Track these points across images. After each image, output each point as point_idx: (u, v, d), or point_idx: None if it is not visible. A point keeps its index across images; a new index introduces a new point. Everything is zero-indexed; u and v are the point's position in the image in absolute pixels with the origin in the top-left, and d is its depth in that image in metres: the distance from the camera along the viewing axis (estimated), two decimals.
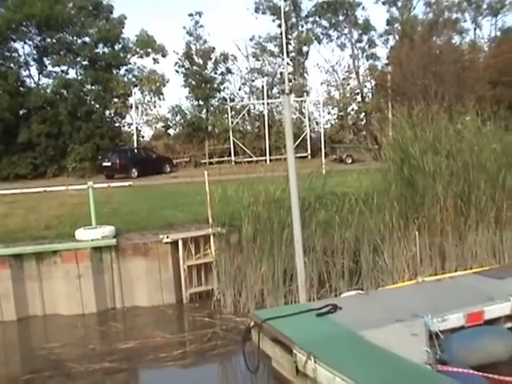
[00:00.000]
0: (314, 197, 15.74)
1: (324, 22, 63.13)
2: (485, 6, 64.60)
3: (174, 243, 16.34)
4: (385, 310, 10.62)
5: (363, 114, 56.78)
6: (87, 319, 15.61)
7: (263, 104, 52.19)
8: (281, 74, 57.61)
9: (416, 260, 15.23)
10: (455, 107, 20.45)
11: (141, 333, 14.07)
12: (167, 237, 16.34)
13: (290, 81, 58.58)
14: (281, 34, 53.17)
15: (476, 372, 8.68)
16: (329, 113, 58.98)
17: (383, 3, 62.70)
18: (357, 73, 60.52)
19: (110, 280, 16.32)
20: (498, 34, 63.47)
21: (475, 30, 65.03)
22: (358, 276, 15.11)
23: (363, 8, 62.26)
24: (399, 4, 62.76)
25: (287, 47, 60.52)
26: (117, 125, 53.31)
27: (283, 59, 60.31)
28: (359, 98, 59.21)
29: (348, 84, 59.90)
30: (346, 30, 62.73)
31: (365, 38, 62.61)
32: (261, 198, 15.47)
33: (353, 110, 59.17)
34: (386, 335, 9.24)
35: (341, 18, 62.46)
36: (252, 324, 10.85)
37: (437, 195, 15.77)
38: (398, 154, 16.96)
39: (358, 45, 62.60)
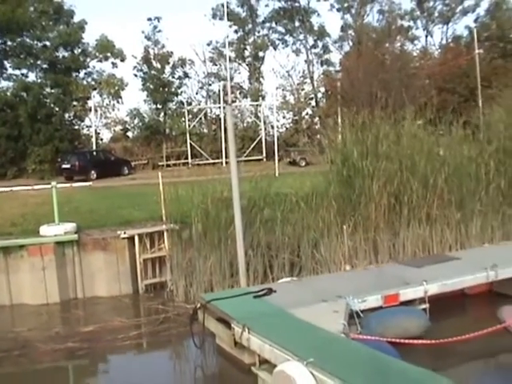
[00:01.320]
0: (258, 197, 17.20)
1: (280, 28, 64.27)
2: (436, 14, 66.42)
3: (131, 238, 17.77)
4: (313, 292, 12.26)
5: (317, 118, 57.96)
6: (51, 308, 16.87)
7: (219, 108, 52.69)
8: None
9: (352, 253, 16.76)
10: (399, 113, 21.85)
11: (100, 318, 15.43)
12: (124, 233, 17.75)
13: (241, 87, 60.25)
14: (237, 40, 54.38)
15: (381, 338, 10.25)
16: (284, 117, 60.15)
17: (338, 10, 64.07)
18: (311, 78, 61.77)
19: (72, 272, 17.65)
20: (449, 41, 65.24)
21: (427, 37, 66.86)
22: (298, 268, 16.55)
23: (318, 15, 63.68)
24: (353, 11, 64.20)
25: (243, 52, 61.97)
26: (76, 127, 53.85)
27: (240, 64, 61.78)
28: (313, 103, 60.48)
29: (303, 89, 61.12)
30: (301, 36, 63.83)
31: (320, 44, 63.84)
32: (210, 198, 16.91)
33: (307, 114, 60.39)
34: (311, 312, 10.83)
35: (296, 24, 63.50)
36: (198, 306, 12.40)
37: (373, 195, 17.23)
38: (339, 157, 18.48)
39: (313, 50, 63.94)
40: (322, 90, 60.91)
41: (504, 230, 19.06)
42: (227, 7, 60.13)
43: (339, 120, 25.71)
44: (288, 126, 59.69)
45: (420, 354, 10.39)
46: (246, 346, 10.37)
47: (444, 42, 65.88)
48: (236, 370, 11.20)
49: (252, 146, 50.91)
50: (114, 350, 13.50)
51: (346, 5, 63.95)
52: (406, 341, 10.41)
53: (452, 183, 18.37)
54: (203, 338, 12.14)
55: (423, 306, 12.47)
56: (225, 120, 52.13)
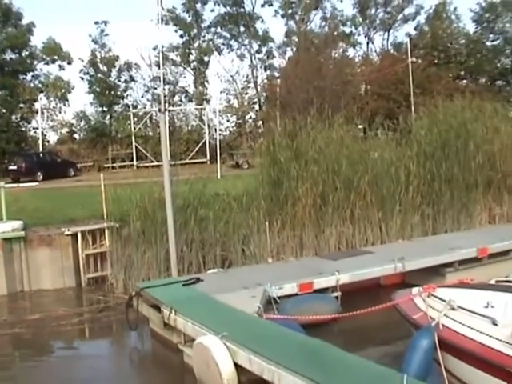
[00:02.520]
0: (193, 197, 18.61)
1: (225, 33, 65.15)
2: (378, 21, 68.12)
3: (74, 235, 19.04)
4: (236, 281, 13.79)
5: (260, 122, 59.17)
6: None
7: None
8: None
9: (280, 249, 18.23)
10: (332, 119, 23.35)
11: (45, 308, 16.73)
12: (68, 230, 19.00)
13: (186, 91, 61.44)
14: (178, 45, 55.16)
15: (290, 317, 11.72)
16: (228, 120, 61.37)
17: (282, 16, 65.19)
18: (255, 82, 62.92)
19: (19, 267, 18.84)
20: (390, 48, 67.06)
21: (368, 43, 68.41)
22: (229, 262, 17.99)
23: (262, 21, 64.88)
24: (297, 17, 65.61)
25: (188, 57, 63.00)
26: (23, 129, 54.52)
27: (185, 68, 62.81)
28: (257, 107, 61.59)
29: (246, 93, 62.45)
30: (246, 41, 64.74)
31: (264, 49, 64.83)
32: (148, 198, 18.28)
33: (251, 118, 61.68)
34: (232, 297, 12.32)
35: (241, 29, 64.49)
36: (133, 293, 13.81)
37: (299, 195, 18.73)
38: (268, 160, 19.95)
39: (257, 56, 64.87)
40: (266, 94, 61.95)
41: (424, 227, 20.76)
42: (173, 12, 61.44)
43: (277, 125, 26.95)
44: (232, 129, 60.95)
45: (326, 333, 11.80)
46: (173, 326, 11.80)
47: (385, 48, 67.67)
48: (166, 349, 12.59)
49: (196, 149, 52.03)
50: (57, 335, 14.75)
51: (290, 11, 65.08)
52: (311, 317, 11.87)
53: (374, 185, 19.94)
54: (137, 322, 13.56)
55: (335, 294, 13.98)
56: (170, 123, 53.51)
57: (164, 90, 47.43)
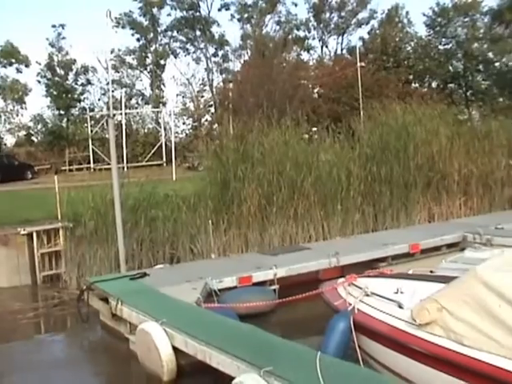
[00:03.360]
0: (142, 198, 19.57)
1: (181, 37, 66.10)
2: (332, 26, 69.55)
3: (30, 235, 19.83)
4: (180, 275, 14.85)
5: (216, 124, 59.86)
6: None
7: (121, 114, 54.12)
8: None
9: (226, 247, 19.26)
10: (281, 123, 24.45)
11: (1, 304, 17.62)
12: (24, 229, 19.79)
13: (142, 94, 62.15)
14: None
15: (226, 305, 12.78)
16: (184, 123, 62.34)
17: (238, 20, 66.45)
18: (211, 86, 63.94)
19: None
20: (344, 52, 68.42)
21: (322, 47, 70.07)
22: (177, 260, 18.97)
23: (218, 25, 66.01)
24: (253, 21, 66.67)
25: (145, 60, 63.75)
26: None
27: (142, 71, 63.55)
28: (213, 110, 62.10)
29: (202, 96, 63.50)
30: (202, 45, 65.76)
31: (220, 53, 66.00)
32: (100, 199, 19.21)
33: (206, 120, 62.19)
34: (175, 289, 13.38)
35: (198, 33, 65.44)
36: (84, 287, 14.78)
37: (245, 196, 19.81)
38: (215, 162, 21.01)
39: (213, 59, 66.01)
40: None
41: (365, 225, 21.94)
42: (130, 16, 62.16)
43: (230, 128, 27.91)
44: (188, 131, 61.69)
45: (263, 323, 12.79)
46: (120, 317, 12.80)
47: (339, 52, 69.04)
48: (114, 339, 13.52)
49: (152, 152, 52.73)
50: (12, 328, 15.62)
51: (245, 15, 66.31)
52: (245, 305, 12.93)
53: (317, 185, 21.07)
54: (89, 314, 14.53)
55: (273, 287, 15.01)
56: (126, 125, 54.29)
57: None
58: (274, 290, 14.97)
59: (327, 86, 52.42)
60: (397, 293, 9.54)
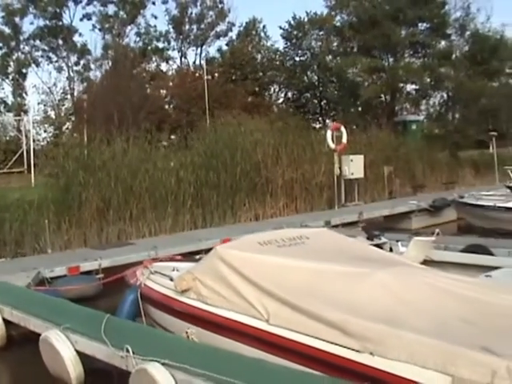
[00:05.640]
0: None
1: (44, 46, 67.03)
2: (192, 37, 71.97)
3: None
4: (17, 267, 17.40)
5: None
6: None
7: None
8: None
9: (67, 244, 21.84)
10: (130, 133, 27.39)
11: None
12: None
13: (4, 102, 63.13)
14: None
15: (51, 288, 15.57)
16: (45, 131, 62.53)
17: (100, 30, 68.12)
18: (71, 94, 65.10)
19: None
20: (202, 63, 71.05)
21: (181, 58, 72.56)
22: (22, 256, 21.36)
23: (80, 34, 67.66)
24: (114, 32, 68.46)
25: (7, 68, 64.71)
26: None
27: (3, 79, 64.43)
28: (73, 118, 62.13)
29: (63, 105, 64.51)
30: (64, 54, 66.91)
31: (82, 62, 67.47)
32: None
33: (67, 128, 62.03)
34: (10, 278, 15.71)
35: (60, 42, 66.68)
36: None
37: (85, 199, 22.69)
38: (56, 169, 23.79)
39: (75, 68, 67.30)
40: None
41: (194, 225, 25.05)
42: None
43: (85, 137, 30.58)
44: (49, 139, 62.70)
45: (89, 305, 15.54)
46: None
47: (198, 63, 71.78)
48: None
49: (14, 159, 53.91)
50: None
51: (107, 25, 68.15)
52: (69, 287, 15.90)
53: (151, 190, 24.10)
54: None
55: (99, 276, 17.79)
56: None
57: None
58: (99, 278, 17.72)
59: (178, 97, 55.13)
60: (173, 270, 12.45)
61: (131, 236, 23.16)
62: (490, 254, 16.44)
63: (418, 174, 39.98)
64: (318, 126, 65.23)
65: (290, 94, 71.77)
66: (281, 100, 72.67)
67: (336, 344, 8.12)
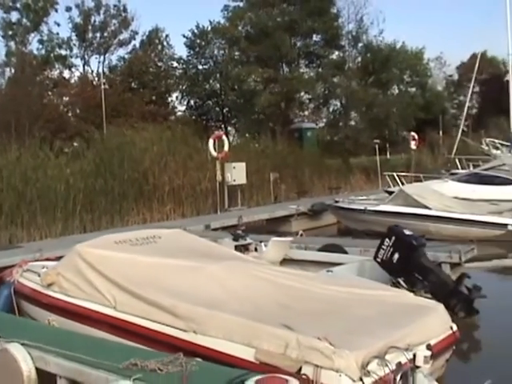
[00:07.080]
0: None
1: None
2: (95, 45, 72.05)
3: None
4: None
5: None
6: None
7: None
8: None
9: None
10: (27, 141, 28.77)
11: None
12: None
13: None
14: None
15: None
16: None
17: (2, 37, 67.03)
18: None
19: None
20: (106, 70, 71.84)
21: (84, 66, 72.27)
22: None
23: None
24: (17, 39, 68.37)
25: None
26: None
27: None
28: None
29: None
30: None
31: None
32: None
33: None
34: None
35: None
36: None
37: None
38: None
39: None
40: None
41: (84, 229, 26.54)
42: None
43: None
44: None
45: None
46: None
47: (100, 70, 72.23)
48: None
49: None
50: None
51: (10, 32, 68.09)
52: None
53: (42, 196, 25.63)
54: None
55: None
56: None
57: None
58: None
59: (78, 105, 56.19)
60: (43, 268, 13.20)
61: (22, 240, 24.12)
62: (345, 252, 18.29)
63: (306, 180, 42.13)
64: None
65: (192, 102, 73.04)
66: (183, 108, 74.14)
67: (167, 325, 9.77)
